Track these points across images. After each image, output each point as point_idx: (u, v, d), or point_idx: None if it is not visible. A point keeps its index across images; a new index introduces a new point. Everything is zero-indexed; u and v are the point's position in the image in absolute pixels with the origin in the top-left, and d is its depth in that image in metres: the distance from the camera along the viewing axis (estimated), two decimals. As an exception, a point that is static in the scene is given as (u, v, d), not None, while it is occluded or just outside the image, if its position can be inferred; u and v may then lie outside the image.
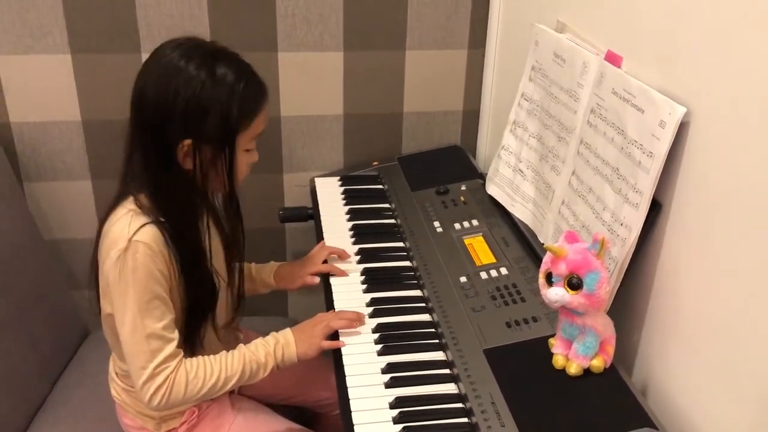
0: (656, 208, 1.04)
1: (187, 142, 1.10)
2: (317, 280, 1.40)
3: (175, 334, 1.15)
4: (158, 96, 1.09)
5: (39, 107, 1.64)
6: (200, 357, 1.18)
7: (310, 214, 1.71)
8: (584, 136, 1.21)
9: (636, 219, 1.04)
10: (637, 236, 1.03)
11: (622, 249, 1.06)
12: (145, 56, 1.60)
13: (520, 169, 1.44)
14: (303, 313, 1.95)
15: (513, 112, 1.47)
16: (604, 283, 0.98)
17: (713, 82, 0.93)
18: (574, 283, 0.99)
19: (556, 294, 0.99)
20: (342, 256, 1.42)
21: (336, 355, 1.14)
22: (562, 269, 0.99)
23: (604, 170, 1.13)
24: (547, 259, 1.02)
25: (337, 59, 1.71)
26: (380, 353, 1.14)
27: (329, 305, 1.29)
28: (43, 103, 1.64)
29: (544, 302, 1.17)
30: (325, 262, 1.41)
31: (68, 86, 1.63)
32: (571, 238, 1.02)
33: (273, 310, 1.86)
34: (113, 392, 1.32)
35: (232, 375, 1.17)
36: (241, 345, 1.22)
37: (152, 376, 1.12)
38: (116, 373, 1.30)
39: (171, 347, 1.13)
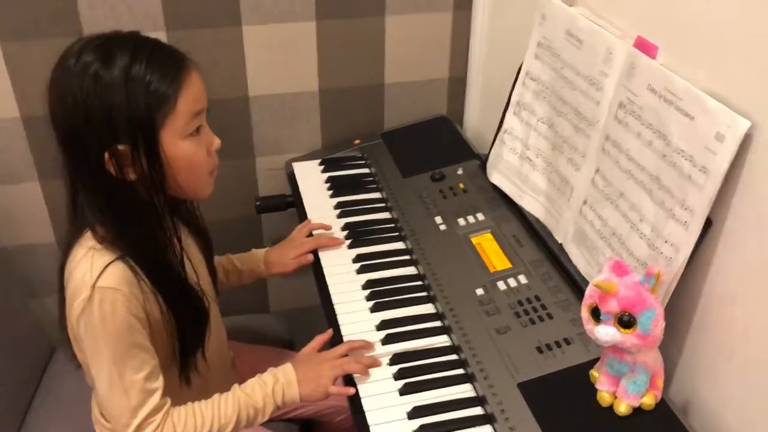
0: (706, 225, 0.93)
1: (107, 154, 0.93)
2: (311, 257, 1.32)
3: (159, 383, 1.02)
4: (63, 106, 0.93)
5: (-31, 104, 1.42)
6: (189, 405, 1.06)
7: (290, 202, 1.57)
8: (611, 132, 1.09)
9: (685, 239, 0.93)
10: (687, 257, 0.93)
11: (667, 269, 0.96)
12: (89, 40, 1.40)
13: (528, 157, 1.31)
14: (284, 308, 1.85)
15: (516, 92, 1.33)
16: (660, 320, 0.88)
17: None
18: (625, 321, 0.89)
19: (607, 334, 0.89)
20: (325, 228, 1.37)
21: (354, 404, 1.03)
22: (612, 307, 0.89)
23: (640, 176, 1.02)
24: (592, 292, 0.91)
25: (309, 30, 1.52)
26: (402, 392, 1.03)
27: (335, 330, 1.16)
28: (-28, 100, 1.42)
29: (573, 319, 1.08)
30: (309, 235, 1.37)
31: (1, 79, 1.40)
32: (619, 269, 0.91)
33: (253, 307, 1.73)
34: None
35: (226, 423, 1.06)
36: (235, 386, 1.10)
37: None
38: (101, 415, 1.17)
39: (154, 400, 1.01)
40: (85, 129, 0.92)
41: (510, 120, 1.35)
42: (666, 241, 0.97)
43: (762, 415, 0.90)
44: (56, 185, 1.52)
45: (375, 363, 1.07)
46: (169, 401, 1.03)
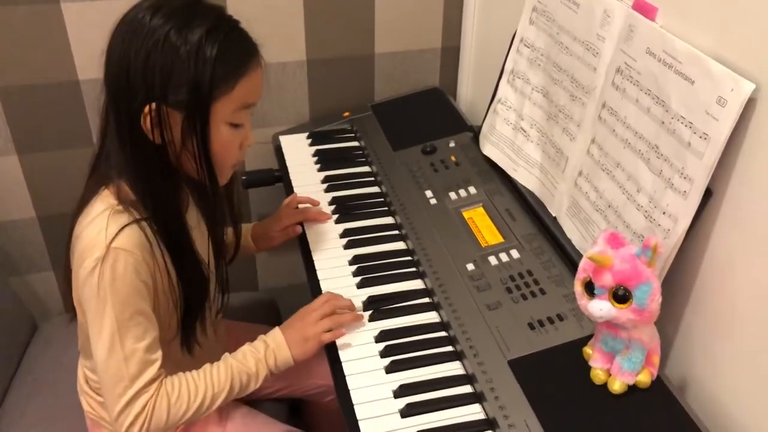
0: (705, 195, 0.89)
1: (152, 106, 0.92)
2: (299, 229, 1.29)
3: (158, 355, 1.00)
4: (121, 55, 0.92)
5: (-59, 74, 1.37)
6: (181, 375, 1.03)
7: (277, 177, 1.52)
8: (608, 99, 1.04)
9: (685, 209, 0.89)
10: (686, 229, 0.89)
11: (665, 241, 0.91)
12: (65, 5, 1.35)
13: (521, 128, 1.26)
14: (273, 285, 1.81)
15: (510, 59, 1.28)
16: (657, 294, 0.84)
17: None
18: (620, 296, 0.85)
19: (601, 309, 0.85)
20: (313, 203, 1.33)
21: (339, 382, 0.99)
22: (607, 280, 0.85)
23: (638, 145, 0.97)
24: (586, 265, 0.87)
25: (296, -4, 1.47)
26: (389, 370, 0.99)
27: (315, 294, 1.13)
28: (-55, 70, 1.37)
29: (566, 295, 1.05)
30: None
31: (-27, 48, 1.35)
32: (615, 241, 0.87)
33: (241, 285, 1.69)
34: (86, 407, 1.17)
35: (220, 391, 1.03)
36: (226, 355, 1.07)
37: (129, 404, 0.97)
38: (89, 386, 1.15)
39: (152, 371, 0.98)
40: (139, 78, 0.91)
41: (504, 89, 1.30)
42: (664, 213, 0.92)
43: (757, 394, 0.87)
44: (35, 159, 1.49)
45: (357, 318, 1.07)
46: (164, 372, 1.01)
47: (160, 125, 0.93)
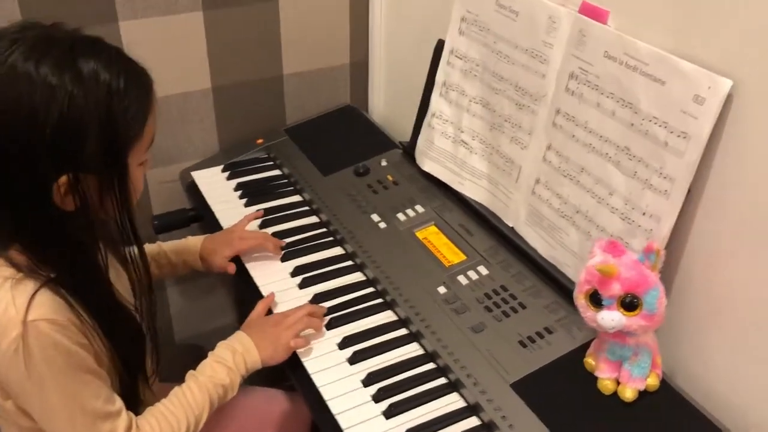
0: (682, 191, 0.90)
1: (63, 180, 0.80)
2: (233, 268, 1.19)
3: (119, 403, 0.92)
4: (9, 120, 0.76)
5: None
6: (155, 409, 0.96)
7: (192, 216, 1.39)
8: (562, 105, 1.03)
9: (668, 209, 0.90)
10: (671, 228, 0.90)
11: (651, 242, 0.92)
12: None
13: (462, 141, 1.23)
14: (193, 333, 1.66)
15: (441, 71, 1.25)
16: (663, 297, 0.84)
17: (762, 46, 0.78)
18: (628, 303, 0.84)
19: (612, 320, 0.84)
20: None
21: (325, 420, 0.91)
22: (615, 290, 0.83)
23: (603, 148, 0.97)
24: (589, 277, 0.85)
25: (196, 21, 1.35)
26: (388, 415, 0.92)
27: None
28: None
29: (547, 305, 1.03)
30: None
31: None
32: (614, 249, 0.86)
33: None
34: None
35: (201, 412, 0.97)
36: (191, 373, 1.00)
37: None
38: None
39: (122, 420, 0.90)
40: (43, 151, 0.77)
41: (437, 102, 1.26)
42: (644, 213, 0.93)
43: (749, 377, 0.89)
44: None
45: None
46: (133, 416, 0.92)
47: (76, 192, 0.81)
